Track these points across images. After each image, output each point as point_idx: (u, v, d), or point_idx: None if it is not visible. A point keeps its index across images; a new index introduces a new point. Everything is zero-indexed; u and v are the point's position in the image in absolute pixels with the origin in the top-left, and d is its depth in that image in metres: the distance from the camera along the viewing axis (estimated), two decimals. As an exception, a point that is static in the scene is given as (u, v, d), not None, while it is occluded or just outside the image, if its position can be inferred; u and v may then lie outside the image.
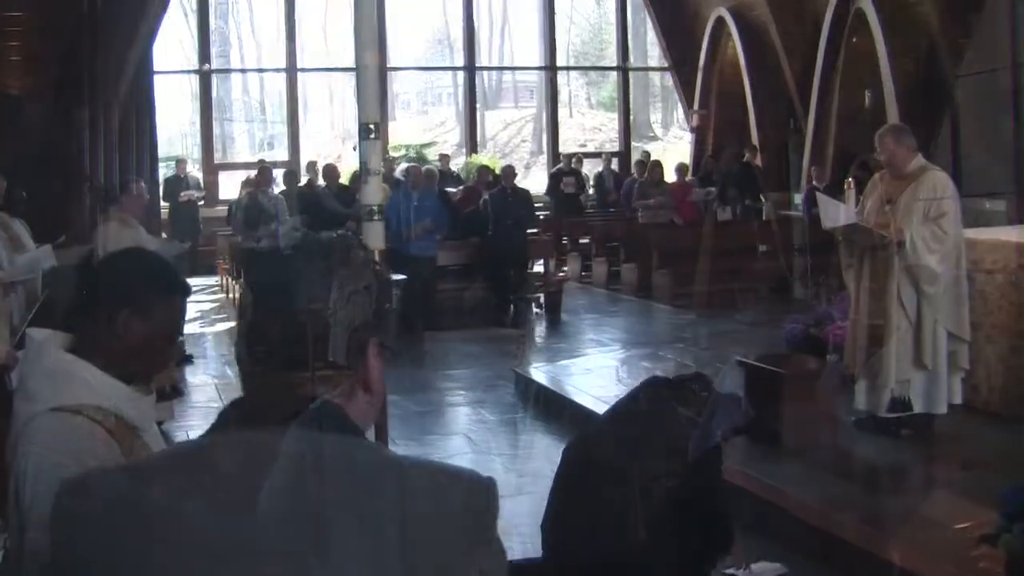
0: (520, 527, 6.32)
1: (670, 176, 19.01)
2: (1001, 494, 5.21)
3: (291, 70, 23.16)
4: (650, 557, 4.58)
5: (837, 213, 8.15)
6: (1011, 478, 5.78)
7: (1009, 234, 8.99)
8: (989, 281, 8.55)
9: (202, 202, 20.94)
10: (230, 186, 21.25)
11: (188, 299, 2.88)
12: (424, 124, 32.29)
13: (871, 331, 8.09)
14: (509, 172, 15.44)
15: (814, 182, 18.84)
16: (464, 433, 9.44)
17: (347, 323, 7.64)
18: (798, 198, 19.24)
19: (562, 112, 27.28)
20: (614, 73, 27.14)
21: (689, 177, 19.36)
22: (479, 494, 1.91)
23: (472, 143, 24.70)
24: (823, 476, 7.35)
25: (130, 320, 2.65)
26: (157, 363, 2.76)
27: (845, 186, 9.99)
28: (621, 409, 4.81)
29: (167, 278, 2.76)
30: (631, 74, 26.65)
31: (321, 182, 17.15)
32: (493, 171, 18.06)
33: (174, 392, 9.36)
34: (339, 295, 7.82)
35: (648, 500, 4.63)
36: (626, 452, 4.62)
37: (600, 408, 9.38)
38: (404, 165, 18.43)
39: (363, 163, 6.79)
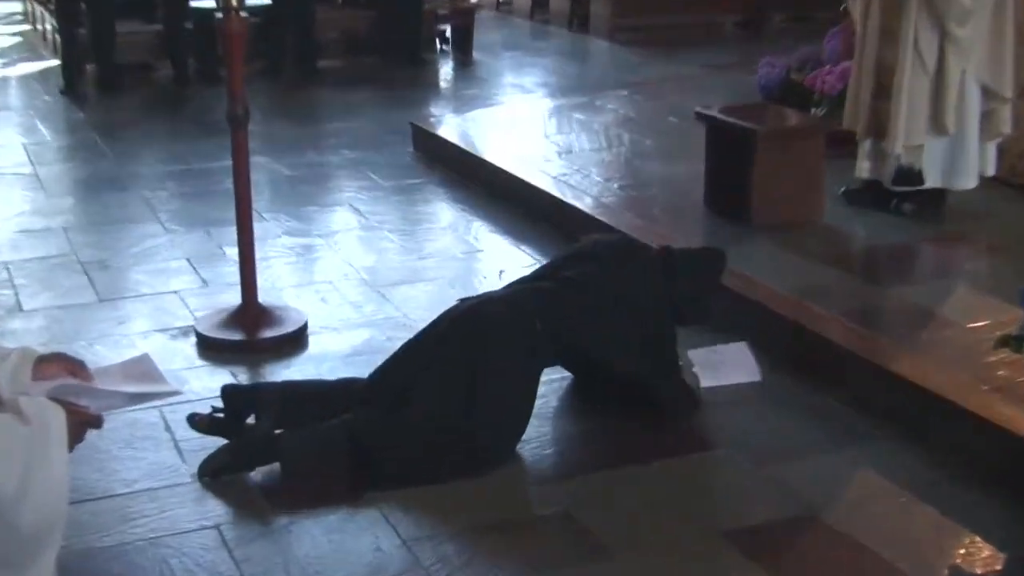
0: (418, 321, 6.26)
1: None
2: None
3: None
4: None
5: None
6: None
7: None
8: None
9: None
10: None
11: None
12: None
13: (878, 80, 7.90)
14: None
15: None
16: (349, 203, 9.29)
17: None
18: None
19: None
20: None
21: None
22: None
23: None
24: (804, 261, 7.31)
25: None
26: None
27: None
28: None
29: None
30: None
31: None
32: None
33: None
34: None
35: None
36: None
37: (520, 170, 9.28)
38: None
39: None
